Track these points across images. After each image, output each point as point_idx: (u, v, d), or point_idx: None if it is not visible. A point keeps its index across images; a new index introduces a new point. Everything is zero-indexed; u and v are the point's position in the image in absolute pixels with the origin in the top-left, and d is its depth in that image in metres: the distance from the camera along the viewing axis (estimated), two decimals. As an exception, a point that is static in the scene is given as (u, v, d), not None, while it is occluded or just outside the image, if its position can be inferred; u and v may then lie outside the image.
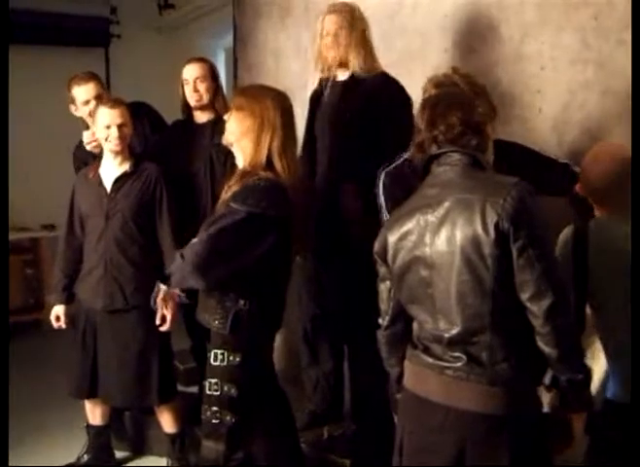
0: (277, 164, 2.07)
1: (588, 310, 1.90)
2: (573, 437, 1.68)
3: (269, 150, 2.06)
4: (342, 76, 2.67)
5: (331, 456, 2.71)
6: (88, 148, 2.87)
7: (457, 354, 1.59)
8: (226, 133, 2.14)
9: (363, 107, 2.58)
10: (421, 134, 1.70)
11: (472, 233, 1.54)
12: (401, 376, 1.79)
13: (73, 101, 2.99)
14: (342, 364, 2.88)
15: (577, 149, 2.33)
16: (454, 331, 1.59)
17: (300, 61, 3.55)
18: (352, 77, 2.62)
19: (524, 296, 1.54)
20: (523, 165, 2.04)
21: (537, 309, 1.53)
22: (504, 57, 2.57)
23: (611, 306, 1.84)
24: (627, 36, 2.12)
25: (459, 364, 1.59)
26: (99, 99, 2.90)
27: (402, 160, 2.23)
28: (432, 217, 1.61)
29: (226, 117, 2.15)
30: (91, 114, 2.86)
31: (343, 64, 2.62)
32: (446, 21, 2.77)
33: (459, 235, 1.55)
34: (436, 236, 1.60)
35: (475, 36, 2.68)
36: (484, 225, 1.52)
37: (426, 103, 1.75)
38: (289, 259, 2.19)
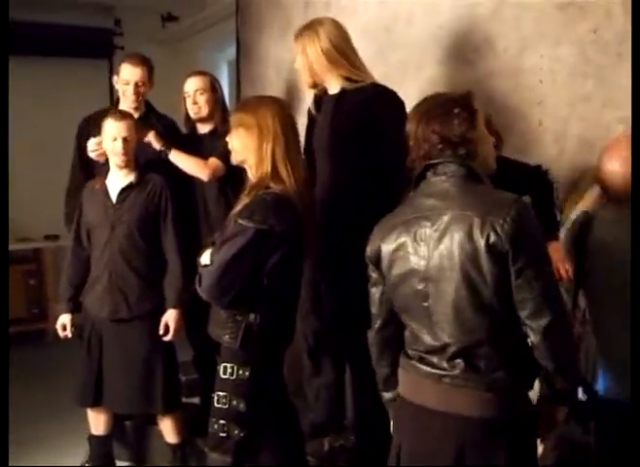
0: (282, 172, 2.04)
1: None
2: (556, 424, 1.75)
3: (273, 158, 2.04)
4: (334, 90, 2.57)
5: (331, 467, 2.71)
6: (91, 156, 2.90)
7: (454, 362, 1.61)
8: (232, 154, 2.14)
9: (351, 121, 2.48)
10: (412, 152, 1.72)
11: (471, 250, 1.54)
12: (388, 377, 1.83)
13: (118, 73, 3.09)
14: (344, 375, 2.88)
15: (577, 161, 2.35)
16: (452, 343, 1.60)
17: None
18: (342, 91, 2.52)
19: (523, 313, 1.57)
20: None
21: (535, 326, 1.56)
22: (500, 70, 2.58)
23: (607, 301, 1.87)
24: (626, 49, 2.14)
25: (457, 372, 1.60)
26: (137, 86, 3.01)
27: None
28: (429, 230, 1.61)
29: (228, 138, 2.14)
30: (124, 94, 3.03)
31: (324, 82, 2.55)
32: (441, 34, 2.78)
33: (458, 251, 1.56)
34: (434, 250, 1.60)
35: (470, 48, 2.68)
36: (484, 243, 1.53)
37: (410, 119, 1.75)
38: (299, 272, 2.17)
